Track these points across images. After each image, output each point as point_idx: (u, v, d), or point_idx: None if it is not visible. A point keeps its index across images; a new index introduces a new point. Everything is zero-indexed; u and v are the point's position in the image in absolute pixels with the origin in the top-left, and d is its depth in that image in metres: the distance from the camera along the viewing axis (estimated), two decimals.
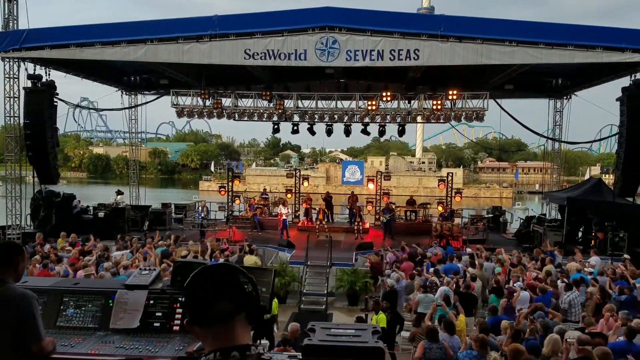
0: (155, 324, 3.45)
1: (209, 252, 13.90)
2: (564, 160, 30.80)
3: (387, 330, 9.40)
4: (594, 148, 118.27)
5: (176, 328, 3.42)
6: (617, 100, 17.15)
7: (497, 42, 16.26)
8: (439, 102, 19.46)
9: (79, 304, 3.55)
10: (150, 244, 14.18)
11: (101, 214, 18.85)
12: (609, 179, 34.05)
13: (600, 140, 72.60)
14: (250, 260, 13.52)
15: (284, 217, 20.06)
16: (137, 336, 3.37)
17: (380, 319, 9.69)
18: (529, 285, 10.77)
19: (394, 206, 21.30)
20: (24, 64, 18.38)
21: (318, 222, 20.52)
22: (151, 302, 3.54)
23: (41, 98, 18.32)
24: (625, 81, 17.31)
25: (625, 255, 14.44)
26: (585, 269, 12.70)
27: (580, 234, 18.60)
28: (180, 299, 3.54)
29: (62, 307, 3.53)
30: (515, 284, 10.76)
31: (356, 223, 20.65)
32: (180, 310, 3.50)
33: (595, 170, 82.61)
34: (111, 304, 3.54)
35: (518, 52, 16.23)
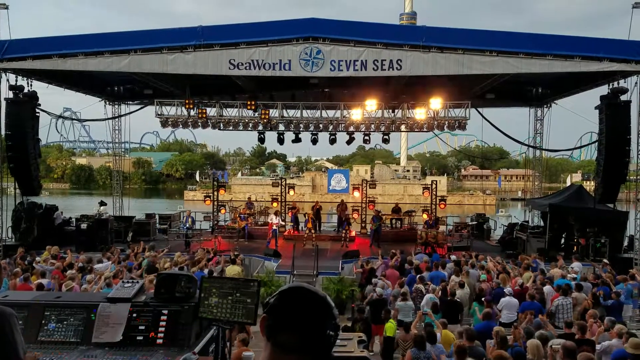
0: (139, 337, 3.42)
1: (201, 262, 13.75)
2: (546, 167, 31.24)
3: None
4: (574, 155, 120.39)
5: (159, 341, 3.40)
6: (596, 108, 17.47)
7: (478, 52, 16.53)
8: (422, 111, 19.69)
9: (60, 318, 3.51)
10: (132, 254, 14.04)
11: (84, 226, 18.55)
12: (589, 186, 34.57)
13: (580, 147, 73.87)
14: (233, 270, 13.39)
15: (274, 226, 19.99)
16: (120, 350, 3.34)
17: (387, 328, 9.65)
18: (515, 292, 10.85)
19: (379, 214, 21.42)
20: (6, 74, 18.10)
21: (307, 231, 20.50)
22: (134, 315, 3.51)
23: (23, 109, 18.04)
24: (604, 90, 17.63)
25: (605, 261, 14.69)
26: (569, 274, 12.89)
27: (562, 240, 18.85)
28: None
29: (43, 322, 3.49)
30: (505, 289, 10.84)
31: (344, 231, 20.78)
32: (164, 323, 3.48)
33: (576, 177, 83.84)
34: (93, 318, 3.51)
35: (498, 62, 16.51)
